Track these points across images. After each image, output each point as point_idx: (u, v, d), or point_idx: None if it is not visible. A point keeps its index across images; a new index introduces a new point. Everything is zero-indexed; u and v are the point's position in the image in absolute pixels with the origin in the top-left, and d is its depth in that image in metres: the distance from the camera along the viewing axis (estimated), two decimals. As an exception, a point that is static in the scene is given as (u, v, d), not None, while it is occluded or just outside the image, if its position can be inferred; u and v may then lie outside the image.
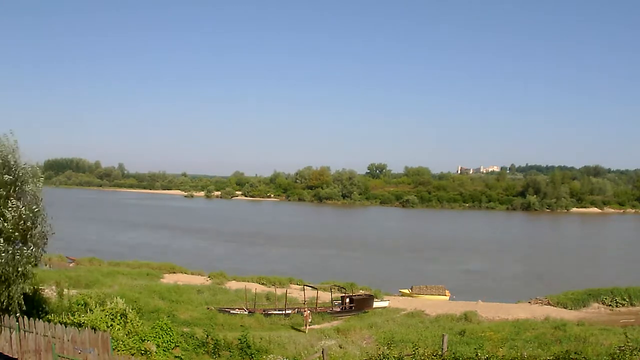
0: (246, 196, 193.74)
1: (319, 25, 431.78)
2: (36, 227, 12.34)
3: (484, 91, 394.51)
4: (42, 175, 12.93)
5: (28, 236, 12.05)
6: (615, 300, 35.55)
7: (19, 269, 11.73)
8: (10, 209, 11.63)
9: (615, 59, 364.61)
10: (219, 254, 60.47)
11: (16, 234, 11.71)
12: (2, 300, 11.69)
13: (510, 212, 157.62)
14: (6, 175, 11.81)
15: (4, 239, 11.43)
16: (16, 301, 11.87)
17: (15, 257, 11.58)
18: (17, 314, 11.87)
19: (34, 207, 12.20)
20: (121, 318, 14.59)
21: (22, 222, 11.80)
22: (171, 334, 14.79)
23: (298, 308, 31.46)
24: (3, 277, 11.51)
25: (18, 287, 11.89)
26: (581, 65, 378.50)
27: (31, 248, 12.02)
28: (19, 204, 11.82)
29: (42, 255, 12.75)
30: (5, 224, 11.47)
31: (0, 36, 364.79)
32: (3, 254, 11.33)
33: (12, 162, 12.12)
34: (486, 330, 22.64)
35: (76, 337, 11.47)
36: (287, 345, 19.75)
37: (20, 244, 11.95)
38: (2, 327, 11.43)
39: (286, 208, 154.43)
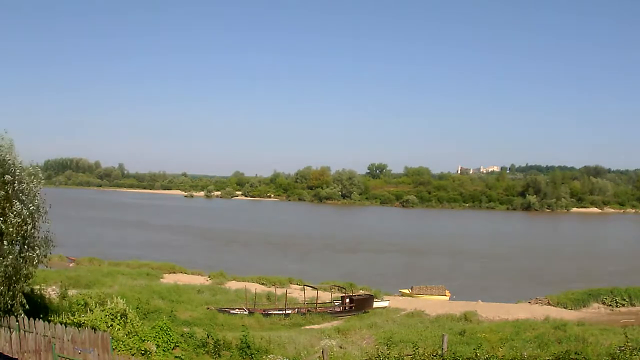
0: (246, 196, 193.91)
1: (319, 25, 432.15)
2: (38, 228, 12.24)
3: (485, 91, 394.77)
4: (42, 177, 12.66)
5: (30, 237, 11.96)
6: (615, 300, 35.58)
7: (23, 270, 11.68)
8: (11, 209, 11.49)
9: (616, 58, 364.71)
10: (218, 254, 60.43)
11: (18, 237, 11.61)
12: (6, 300, 11.66)
13: (510, 212, 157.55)
14: (7, 176, 11.57)
15: (6, 241, 11.35)
16: (18, 301, 11.85)
17: (19, 259, 11.52)
18: (21, 314, 11.82)
19: (33, 207, 12.07)
20: (121, 318, 14.57)
21: (23, 223, 11.69)
22: (171, 334, 14.77)
23: (298, 308, 31.49)
24: (8, 278, 11.46)
25: (21, 287, 11.86)
26: (581, 65, 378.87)
27: (35, 250, 11.96)
28: (19, 204, 11.68)
29: (46, 256, 12.66)
30: (7, 226, 11.35)
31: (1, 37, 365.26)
32: (8, 256, 11.28)
33: (10, 161, 11.86)
34: (486, 330, 22.59)
35: (76, 337, 11.46)
36: (287, 345, 19.73)
37: (23, 246, 11.86)
38: (2, 327, 11.40)
39: (286, 208, 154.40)
